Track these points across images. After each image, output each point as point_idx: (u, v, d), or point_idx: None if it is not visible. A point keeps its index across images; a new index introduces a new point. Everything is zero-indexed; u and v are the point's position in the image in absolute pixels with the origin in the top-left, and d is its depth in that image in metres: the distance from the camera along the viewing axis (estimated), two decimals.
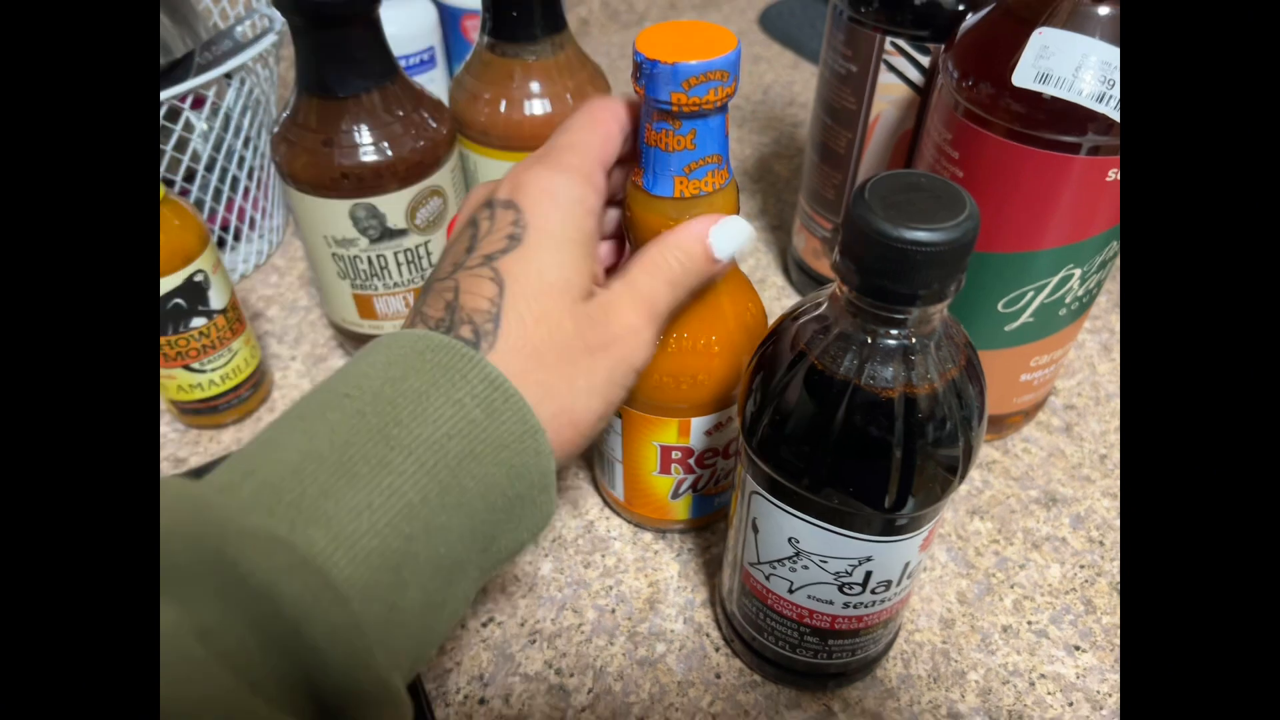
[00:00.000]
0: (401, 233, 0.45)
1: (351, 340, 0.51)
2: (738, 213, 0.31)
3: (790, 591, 0.31)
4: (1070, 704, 0.37)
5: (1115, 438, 0.49)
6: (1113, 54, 0.33)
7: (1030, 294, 0.40)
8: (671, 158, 0.28)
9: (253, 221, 0.59)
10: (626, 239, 0.33)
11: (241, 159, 0.55)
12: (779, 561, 0.30)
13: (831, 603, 0.31)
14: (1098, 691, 0.38)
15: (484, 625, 0.40)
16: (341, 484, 0.22)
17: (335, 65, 0.40)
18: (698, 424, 0.37)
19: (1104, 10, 0.33)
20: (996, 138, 0.36)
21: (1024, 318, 0.41)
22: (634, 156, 0.31)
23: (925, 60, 0.44)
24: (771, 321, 0.30)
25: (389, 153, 0.42)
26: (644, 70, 0.27)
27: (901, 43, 0.44)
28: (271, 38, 0.53)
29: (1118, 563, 0.43)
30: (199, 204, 0.54)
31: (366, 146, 0.42)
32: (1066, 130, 0.34)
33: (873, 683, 0.38)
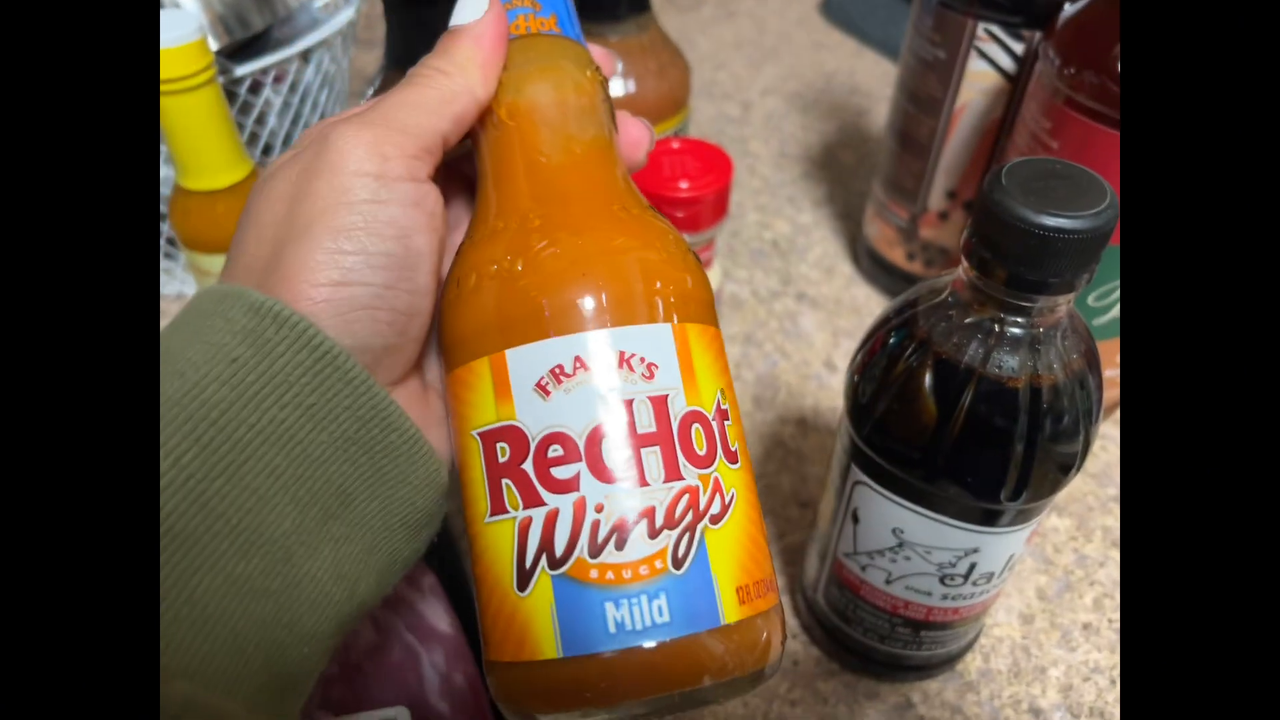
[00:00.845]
0: None
1: None
2: (570, 79, 0.24)
3: (887, 582, 0.31)
4: None
5: None
6: None
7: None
8: None
9: None
10: None
11: None
12: (879, 552, 0.30)
13: (930, 594, 0.30)
14: None
15: None
16: None
17: (427, 40, 0.40)
18: (521, 362, 0.21)
19: None
20: (1100, 126, 0.35)
21: (1113, 312, 0.40)
22: None
23: (1019, 47, 0.43)
24: (873, 317, 0.29)
25: None
26: None
27: (994, 29, 0.43)
28: (349, 13, 0.53)
29: None
30: None
31: None
32: None
33: (951, 676, 0.38)
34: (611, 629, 0.20)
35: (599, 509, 0.20)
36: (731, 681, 0.21)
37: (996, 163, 0.42)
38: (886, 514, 0.29)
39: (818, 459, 0.46)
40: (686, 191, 0.40)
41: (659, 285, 0.22)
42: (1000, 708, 0.37)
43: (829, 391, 0.50)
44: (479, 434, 0.22)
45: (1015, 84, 0.44)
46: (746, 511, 0.22)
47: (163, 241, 0.51)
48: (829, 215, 0.63)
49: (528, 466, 0.21)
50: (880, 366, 0.27)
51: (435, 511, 0.23)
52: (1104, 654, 0.38)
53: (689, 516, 0.20)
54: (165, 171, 0.52)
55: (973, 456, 0.26)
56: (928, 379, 0.26)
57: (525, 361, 0.21)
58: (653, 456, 0.20)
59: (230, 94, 0.47)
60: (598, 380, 0.21)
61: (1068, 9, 0.38)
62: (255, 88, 0.50)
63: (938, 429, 0.25)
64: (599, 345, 0.21)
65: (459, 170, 0.27)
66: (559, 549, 0.20)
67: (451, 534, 0.40)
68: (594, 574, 0.20)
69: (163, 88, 0.36)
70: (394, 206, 0.21)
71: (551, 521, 0.20)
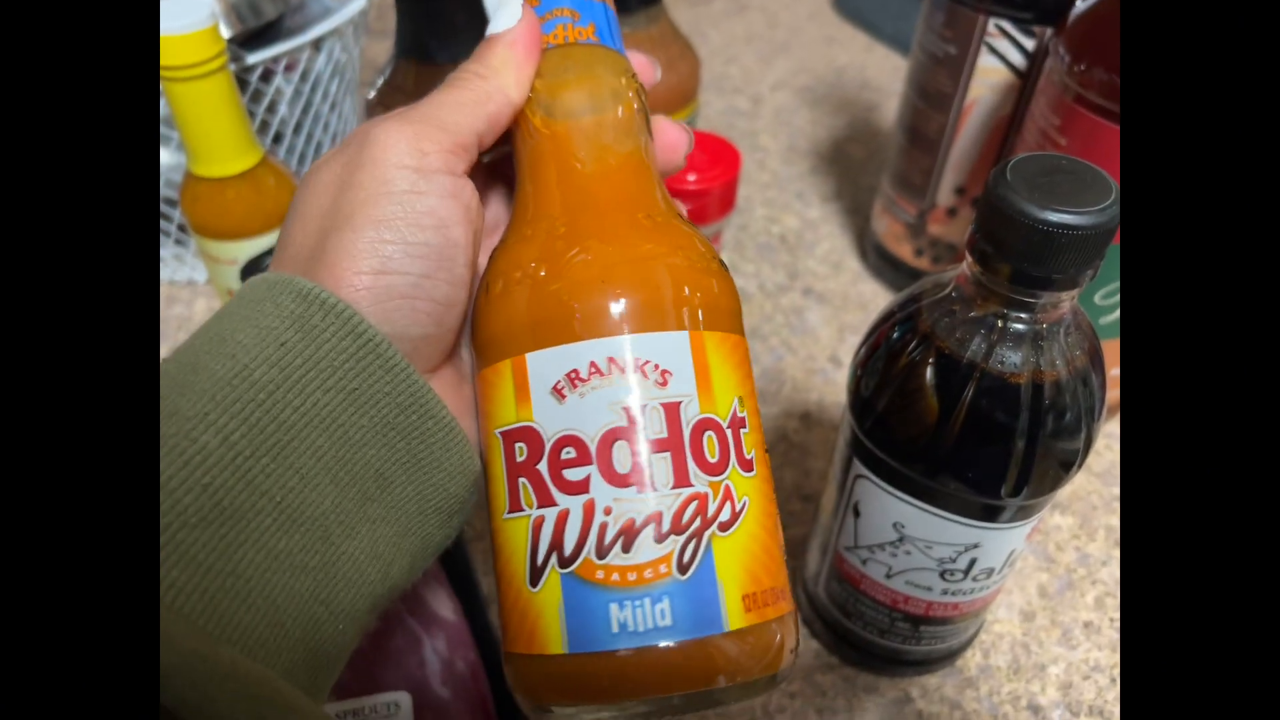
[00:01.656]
0: None
1: None
2: (606, 88, 0.25)
3: (887, 577, 0.31)
4: None
5: None
6: None
7: None
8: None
9: None
10: None
11: (326, 123, 0.55)
12: (879, 546, 0.30)
13: (930, 589, 0.30)
14: None
15: None
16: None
17: (437, 29, 0.40)
18: (540, 365, 0.22)
19: None
20: (1109, 123, 0.35)
21: (1118, 311, 0.40)
22: None
23: (1029, 43, 0.43)
24: (877, 313, 0.29)
25: None
26: None
27: (1005, 24, 0.43)
28: (360, 3, 0.53)
29: None
30: None
31: None
32: None
33: (951, 671, 0.38)
34: (615, 629, 0.20)
35: (607, 511, 0.20)
36: (739, 685, 0.21)
37: (1001, 160, 0.42)
38: (888, 508, 0.29)
39: (821, 453, 0.46)
40: (694, 184, 0.40)
41: (679, 293, 0.22)
42: (999, 704, 0.37)
43: (834, 386, 0.50)
44: (500, 433, 0.22)
45: (1025, 80, 0.44)
46: (759, 520, 0.22)
47: (174, 228, 0.52)
48: (837, 210, 0.63)
49: (542, 467, 0.21)
50: (883, 360, 0.27)
51: (466, 498, 0.24)
52: (1104, 653, 0.38)
53: (697, 523, 0.21)
54: (177, 158, 0.52)
55: (974, 452, 0.26)
56: (930, 374, 0.26)
57: (543, 365, 0.21)
58: (662, 462, 0.21)
59: (242, 82, 0.47)
60: (611, 386, 0.21)
61: (1079, 5, 0.38)
62: (267, 76, 0.50)
63: (939, 424, 0.26)
64: (614, 351, 0.21)
65: (501, 173, 0.28)
66: (568, 548, 0.21)
67: None
68: (600, 575, 0.20)
69: (174, 74, 0.36)
70: (432, 198, 0.22)
71: (562, 521, 0.21)
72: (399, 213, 0.21)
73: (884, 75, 0.79)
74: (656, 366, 0.21)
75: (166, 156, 0.52)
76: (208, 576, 0.18)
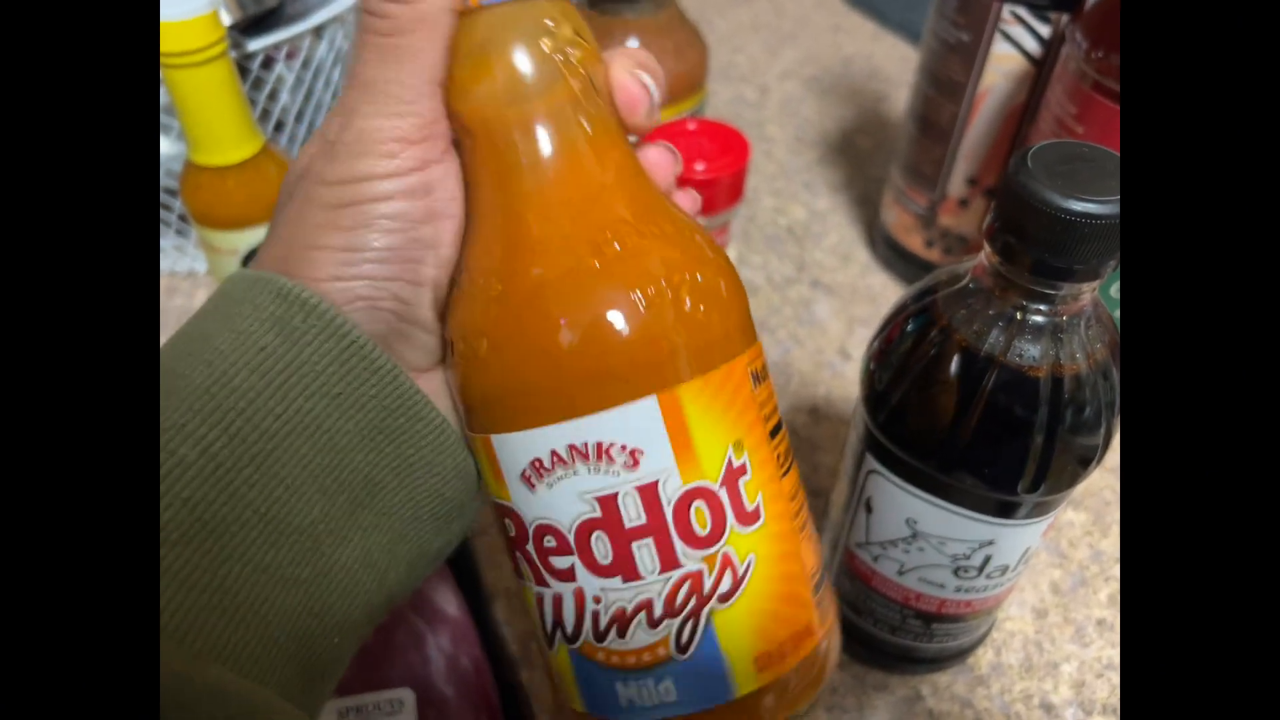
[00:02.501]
0: None
1: None
2: (530, 58, 0.20)
3: (899, 574, 0.30)
4: None
5: None
6: None
7: None
8: None
9: None
10: None
11: (328, 111, 0.55)
12: (891, 543, 0.30)
13: (943, 586, 0.30)
14: None
15: None
16: None
17: None
18: (506, 451, 0.20)
19: None
20: None
21: None
22: None
23: (1045, 30, 0.42)
24: (889, 305, 0.29)
25: None
26: None
27: (1020, 10, 0.42)
28: None
29: None
30: None
31: None
32: None
33: (963, 669, 0.37)
34: (624, 704, 0.20)
35: (597, 600, 0.20)
36: None
37: (1020, 148, 0.42)
38: (900, 504, 0.28)
39: (830, 448, 0.46)
40: (702, 173, 0.40)
41: (644, 351, 0.19)
42: (1011, 702, 0.36)
43: (843, 380, 0.49)
44: (494, 504, 0.22)
45: (1040, 68, 0.43)
46: (772, 569, 0.20)
47: (174, 218, 0.51)
48: (846, 201, 0.62)
49: (530, 550, 0.21)
50: (897, 353, 0.26)
51: (464, 503, 0.23)
52: (1118, 651, 0.38)
53: (691, 603, 0.20)
54: (177, 147, 0.51)
55: (991, 447, 0.25)
56: (946, 367, 0.25)
57: (509, 451, 0.20)
58: (645, 550, 0.19)
59: (242, 69, 0.46)
60: (576, 476, 0.19)
61: None
62: (268, 63, 0.49)
63: (955, 418, 0.25)
64: (573, 438, 0.19)
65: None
66: (568, 628, 0.21)
67: None
68: (601, 656, 0.20)
69: (174, 61, 0.36)
70: (398, 201, 0.20)
71: (558, 604, 0.20)
72: (361, 218, 0.20)
73: (892, 64, 0.78)
74: (624, 447, 0.19)
75: (167, 145, 0.51)
76: (193, 593, 0.18)
